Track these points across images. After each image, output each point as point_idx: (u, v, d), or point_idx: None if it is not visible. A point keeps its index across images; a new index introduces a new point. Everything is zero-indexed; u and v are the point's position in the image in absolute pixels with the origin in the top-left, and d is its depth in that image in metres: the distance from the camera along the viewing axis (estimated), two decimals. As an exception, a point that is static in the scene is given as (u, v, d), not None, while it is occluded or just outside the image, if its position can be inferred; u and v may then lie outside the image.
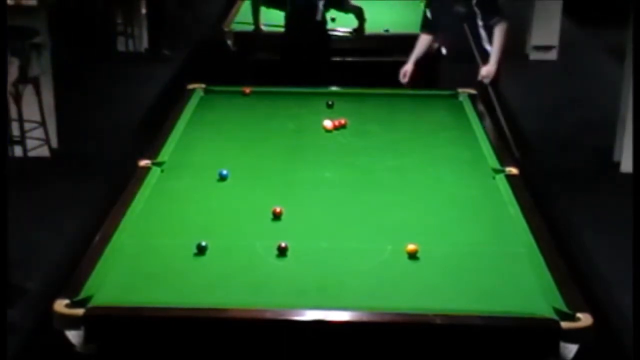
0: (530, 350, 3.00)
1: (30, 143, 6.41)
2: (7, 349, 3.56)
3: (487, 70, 5.41)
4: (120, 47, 9.65)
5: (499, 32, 5.39)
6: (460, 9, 5.45)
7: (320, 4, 6.82)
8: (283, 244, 3.45)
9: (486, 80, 5.38)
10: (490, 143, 4.68)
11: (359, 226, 3.78)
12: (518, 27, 9.89)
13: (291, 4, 6.91)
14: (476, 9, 5.50)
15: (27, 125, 6.34)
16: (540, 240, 3.58)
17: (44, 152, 6.55)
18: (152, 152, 4.47)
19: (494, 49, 5.47)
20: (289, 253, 3.44)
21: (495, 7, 5.41)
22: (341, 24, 7.26)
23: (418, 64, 5.93)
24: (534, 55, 9.54)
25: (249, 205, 3.98)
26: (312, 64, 6.81)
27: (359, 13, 7.10)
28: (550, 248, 3.54)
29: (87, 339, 2.97)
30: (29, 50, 6.17)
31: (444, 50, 6.26)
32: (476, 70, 5.83)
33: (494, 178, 4.26)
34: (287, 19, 6.96)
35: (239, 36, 7.26)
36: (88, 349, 2.98)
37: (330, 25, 7.36)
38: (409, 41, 7.24)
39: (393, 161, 4.54)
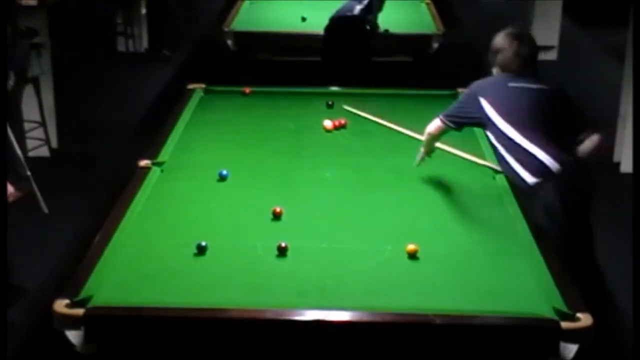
0: (530, 350, 3.00)
1: (30, 143, 6.40)
2: (7, 349, 3.57)
3: None
4: (120, 47, 9.64)
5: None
6: None
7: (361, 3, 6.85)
8: (283, 244, 3.45)
9: None
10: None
11: (359, 226, 3.78)
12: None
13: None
14: None
15: (27, 125, 6.34)
16: (540, 240, 3.59)
17: (44, 152, 6.55)
18: (152, 152, 4.48)
19: None
20: (289, 253, 3.44)
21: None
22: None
23: None
24: (534, 55, 9.53)
25: (249, 205, 3.98)
26: (352, 63, 6.79)
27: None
28: (550, 248, 3.54)
29: (87, 339, 2.97)
30: (28, 50, 6.16)
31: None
32: (473, 70, 5.76)
33: (494, 178, 4.26)
34: (330, 18, 6.97)
35: (239, 36, 7.26)
36: (88, 349, 2.98)
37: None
38: (409, 41, 7.27)
39: (393, 161, 4.54)
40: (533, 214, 3.69)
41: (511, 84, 3.87)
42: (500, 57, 3.94)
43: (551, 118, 3.86)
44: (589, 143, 3.89)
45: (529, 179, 3.74)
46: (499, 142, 3.84)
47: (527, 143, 3.74)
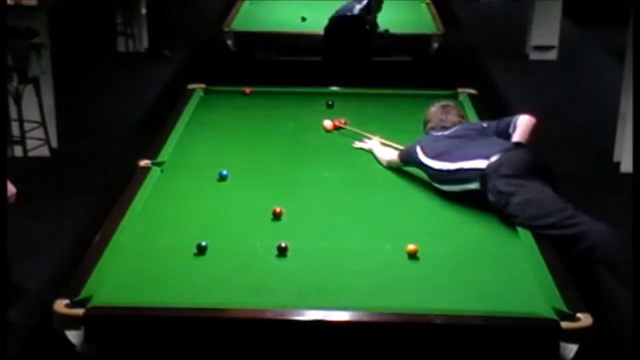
0: (530, 350, 3.00)
1: (30, 143, 6.40)
2: (7, 349, 3.56)
3: None
4: (120, 47, 9.64)
5: None
6: None
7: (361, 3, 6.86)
8: (283, 244, 3.45)
9: None
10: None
11: (359, 226, 3.78)
12: (518, 27, 9.92)
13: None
14: None
15: (27, 125, 6.34)
16: (540, 241, 3.59)
17: (44, 152, 6.54)
18: (152, 152, 4.48)
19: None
20: (289, 253, 3.45)
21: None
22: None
23: None
24: (534, 55, 9.54)
25: (249, 205, 3.98)
26: (352, 62, 6.79)
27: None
28: (550, 248, 3.54)
29: (87, 339, 2.97)
30: (28, 50, 6.16)
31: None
32: (477, 69, 5.79)
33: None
34: (330, 18, 6.98)
35: (239, 36, 7.26)
36: (88, 349, 2.98)
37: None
38: (409, 41, 7.28)
39: (393, 161, 4.53)
40: (495, 202, 3.87)
41: (434, 134, 4.38)
42: (429, 125, 4.48)
43: (472, 139, 4.21)
44: (522, 126, 4.20)
45: (474, 185, 3.98)
46: (438, 181, 4.14)
47: (454, 164, 4.04)
